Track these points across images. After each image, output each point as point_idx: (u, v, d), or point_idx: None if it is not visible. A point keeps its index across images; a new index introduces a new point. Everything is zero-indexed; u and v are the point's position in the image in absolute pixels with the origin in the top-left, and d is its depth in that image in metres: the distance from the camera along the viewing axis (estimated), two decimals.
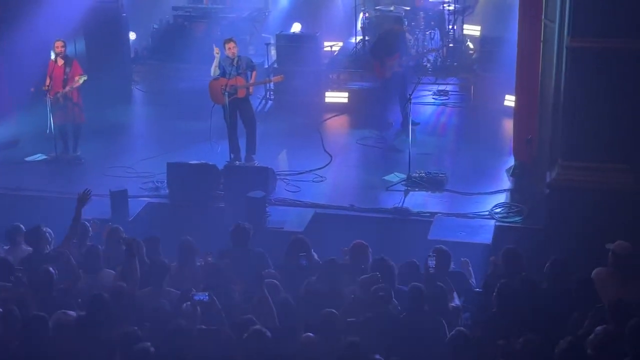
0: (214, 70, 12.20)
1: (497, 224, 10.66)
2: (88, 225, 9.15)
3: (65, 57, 12.57)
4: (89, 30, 15.20)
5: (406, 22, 15.01)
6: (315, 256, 8.70)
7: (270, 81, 13.83)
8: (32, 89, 13.08)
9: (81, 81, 12.48)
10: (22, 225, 9.08)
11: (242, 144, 12.51)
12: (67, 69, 12.52)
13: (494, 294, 7.50)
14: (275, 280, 8.00)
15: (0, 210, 10.82)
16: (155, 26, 17.09)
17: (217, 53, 12.15)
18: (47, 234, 8.84)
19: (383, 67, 13.46)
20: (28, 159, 12.87)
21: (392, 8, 16.09)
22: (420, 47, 15.65)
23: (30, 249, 8.81)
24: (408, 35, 14.68)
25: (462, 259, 8.83)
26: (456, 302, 7.97)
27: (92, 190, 9.29)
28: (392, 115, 13.64)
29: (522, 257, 8.25)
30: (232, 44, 12.06)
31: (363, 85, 15.41)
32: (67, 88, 12.44)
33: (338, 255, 8.68)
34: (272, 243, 9.46)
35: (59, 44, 12.54)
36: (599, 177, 9.92)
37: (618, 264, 7.95)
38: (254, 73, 12.34)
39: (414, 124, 12.74)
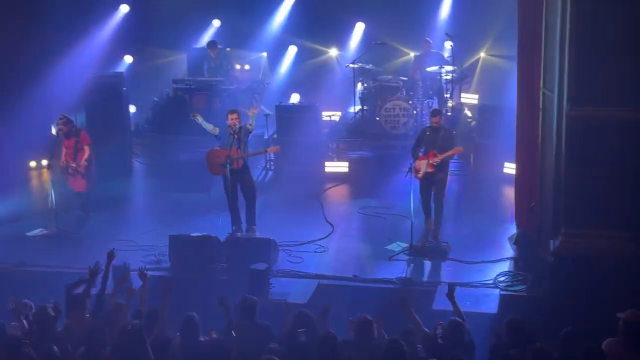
0: (208, 127, 12.39)
1: (502, 292, 10.60)
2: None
3: (69, 133, 12.70)
4: (90, 103, 15.35)
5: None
6: (320, 330, 8.60)
7: (266, 152, 13.87)
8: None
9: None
10: (29, 302, 9.03)
11: (243, 215, 12.51)
12: (77, 139, 12.66)
13: None
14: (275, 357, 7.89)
15: (2, 285, 10.74)
16: (156, 99, 17.25)
17: (195, 117, 12.42)
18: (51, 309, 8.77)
19: (416, 166, 12.01)
20: (29, 233, 12.83)
21: (389, 78, 16.27)
22: (419, 116, 15.76)
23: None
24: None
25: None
26: None
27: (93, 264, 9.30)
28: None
29: (526, 327, 8.18)
30: (235, 115, 12.17)
31: (363, 154, 15.51)
32: (82, 162, 12.67)
33: (344, 326, 8.61)
34: (276, 315, 9.37)
35: (58, 122, 12.74)
36: (602, 245, 9.91)
37: (629, 333, 7.85)
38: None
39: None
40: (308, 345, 8.07)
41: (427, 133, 12.11)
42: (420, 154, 12.07)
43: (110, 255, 9.57)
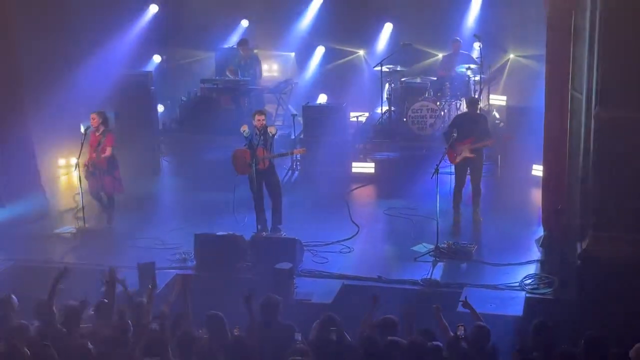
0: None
1: (528, 295, 10.53)
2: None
3: (99, 128, 12.67)
4: (119, 102, 15.46)
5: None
6: (347, 337, 8.58)
7: (292, 153, 13.86)
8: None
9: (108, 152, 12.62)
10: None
11: (269, 215, 12.52)
12: (102, 139, 12.66)
13: None
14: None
15: (30, 282, 10.84)
16: (184, 98, 17.32)
17: (244, 130, 12.25)
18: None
19: (452, 151, 12.60)
20: (57, 231, 12.93)
21: (417, 79, 16.22)
22: (447, 117, 15.69)
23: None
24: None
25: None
26: None
27: (119, 262, 9.32)
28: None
29: (552, 330, 8.11)
30: (262, 117, 12.18)
31: (390, 155, 15.47)
32: (103, 156, 12.56)
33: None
34: (300, 315, 9.37)
35: (93, 116, 12.69)
36: (630, 248, 9.80)
37: None
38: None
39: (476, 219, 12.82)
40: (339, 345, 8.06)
41: (464, 120, 12.72)
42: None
43: (111, 275, 9.18)
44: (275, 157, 12.48)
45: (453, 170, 12.96)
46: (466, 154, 12.51)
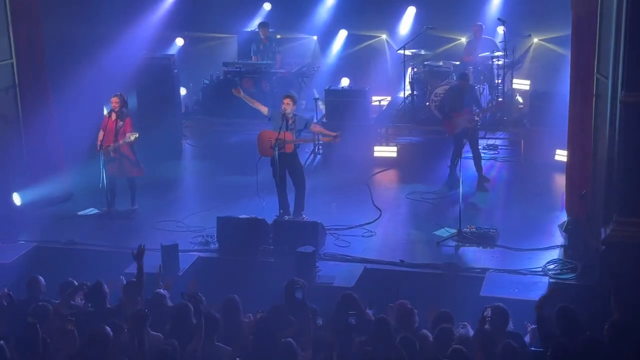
0: (254, 104, 12.43)
1: (551, 280, 10.48)
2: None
3: (119, 113, 12.70)
4: (141, 86, 15.51)
5: (472, 77, 14.96)
6: (370, 313, 8.60)
7: (332, 138, 13.67)
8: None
9: (132, 138, 12.59)
10: (74, 280, 9.15)
11: (291, 199, 12.52)
12: (120, 124, 12.67)
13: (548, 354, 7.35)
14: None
15: (53, 264, 10.93)
16: (206, 81, 17.33)
17: (238, 92, 12.43)
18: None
19: (450, 123, 13.48)
20: (80, 213, 12.99)
21: (440, 63, 16.13)
22: None
23: (82, 303, 8.86)
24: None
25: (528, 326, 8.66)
26: None
27: (143, 244, 9.30)
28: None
29: (576, 315, 8.09)
30: (288, 100, 12.15)
31: (412, 139, 15.45)
32: (120, 142, 12.57)
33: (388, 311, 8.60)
34: (322, 298, 9.39)
35: (114, 99, 12.71)
36: None
37: None
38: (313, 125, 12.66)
39: (485, 180, 13.39)
40: (359, 327, 8.05)
41: (456, 93, 13.53)
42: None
43: (140, 253, 9.03)
44: (300, 142, 12.45)
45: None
46: (466, 124, 13.09)
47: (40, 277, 9.22)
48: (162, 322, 8.27)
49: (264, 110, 12.38)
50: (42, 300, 8.83)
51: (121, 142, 12.56)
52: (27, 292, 9.15)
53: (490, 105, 15.41)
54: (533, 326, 8.51)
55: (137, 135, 12.61)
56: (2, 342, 7.62)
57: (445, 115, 13.75)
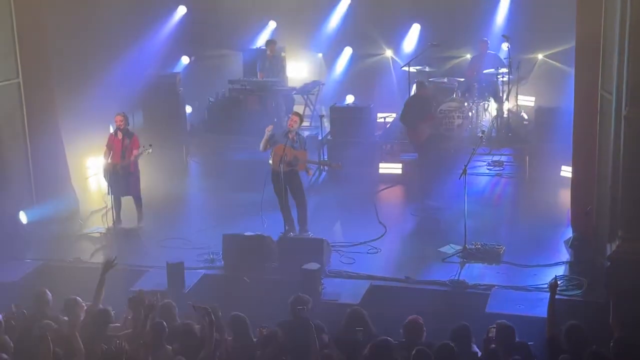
0: (263, 145, 12.30)
1: (557, 297, 10.42)
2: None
3: (125, 131, 12.79)
4: (147, 103, 15.59)
5: (427, 84, 15.08)
6: (374, 330, 8.59)
7: (330, 165, 13.61)
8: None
9: (150, 151, 12.68)
10: (79, 298, 9.16)
11: (295, 214, 12.52)
12: (127, 141, 12.74)
13: None
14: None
15: (60, 282, 10.93)
16: (211, 99, 17.40)
17: (269, 131, 12.27)
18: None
19: (415, 132, 13.84)
20: (86, 231, 13.03)
21: (445, 80, 16.17)
22: (474, 118, 15.64)
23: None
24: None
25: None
26: None
27: (148, 261, 9.34)
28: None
29: (584, 332, 8.07)
30: (296, 118, 12.21)
31: (417, 156, 15.41)
32: (135, 153, 12.64)
33: (396, 329, 8.58)
34: (327, 315, 9.38)
35: (118, 118, 12.80)
36: None
37: None
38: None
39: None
40: (366, 343, 8.05)
41: (416, 102, 13.95)
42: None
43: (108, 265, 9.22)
44: (312, 163, 12.51)
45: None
46: (431, 130, 13.82)
47: (48, 292, 9.22)
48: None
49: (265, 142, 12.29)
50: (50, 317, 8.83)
51: (136, 153, 12.62)
52: (34, 307, 9.15)
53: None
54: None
55: (150, 151, 12.70)
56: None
57: (409, 125, 14.00)
